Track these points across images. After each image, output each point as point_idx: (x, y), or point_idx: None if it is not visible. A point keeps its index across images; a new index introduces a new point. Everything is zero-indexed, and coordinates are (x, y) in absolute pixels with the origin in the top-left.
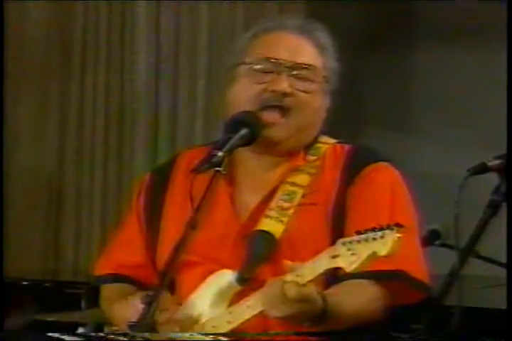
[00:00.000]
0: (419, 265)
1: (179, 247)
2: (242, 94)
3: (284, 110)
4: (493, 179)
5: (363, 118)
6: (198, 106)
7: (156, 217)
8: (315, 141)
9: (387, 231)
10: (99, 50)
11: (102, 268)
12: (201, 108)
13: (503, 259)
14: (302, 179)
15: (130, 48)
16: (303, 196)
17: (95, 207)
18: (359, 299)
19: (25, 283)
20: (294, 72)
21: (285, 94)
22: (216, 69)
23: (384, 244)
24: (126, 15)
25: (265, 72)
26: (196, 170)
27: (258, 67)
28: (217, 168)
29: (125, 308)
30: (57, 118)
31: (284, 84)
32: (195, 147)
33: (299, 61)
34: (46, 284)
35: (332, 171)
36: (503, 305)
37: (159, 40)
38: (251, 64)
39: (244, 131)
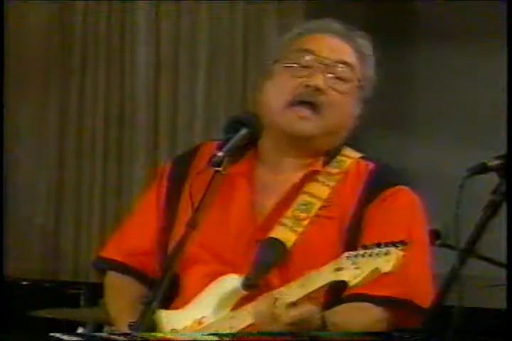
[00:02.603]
0: (426, 292)
1: (179, 248)
2: (278, 89)
3: (315, 107)
4: (493, 179)
5: (362, 118)
6: (198, 105)
7: (174, 205)
8: (338, 152)
9: (391, 248)
10: (99, 50)
11: (112, 251)
12: (201, 108)
13: (503, 259)
14: (321, 191)
15: (130, 48)
16: (320, 208)
17: (95, 207)
18: (360, 321)
19: (25, 283)
20: (331, 70)
21: (319, 91)
22: (216, 69)
23: (387, 261)
24: (126, 15)
25: (303, 66)
26: (200, 170)
27: (298, 60)
28: (217, 168)
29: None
30: (57, 118)
31: (318, 80)
32: (220, 140)
33: (338, 59)
34: (46, 284)
35: (353, 188)
36: (503, 305)
37: (159, 40)
38: (291, 58)
39: (244, 131)
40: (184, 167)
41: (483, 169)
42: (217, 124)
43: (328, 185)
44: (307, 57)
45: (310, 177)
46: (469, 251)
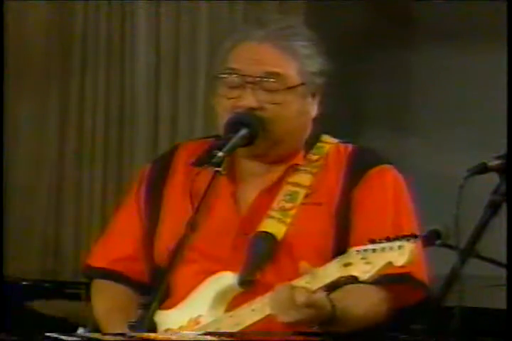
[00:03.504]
0: (421, 266)
1: (179, 248)
2: (219, 109)
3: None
4: (493, 179)
5: (362, 118)
6: (198, 105)
7: (156, 207)
8: (317, 140)
9: (404, 242)
10: (99, 50)
11: (97, 259)
12: (201, 108)
13: (503, 259)
14: (304, 179)
15: (130, 48)
16: (306, 196)
17: (95, 207)
18: (365, 303)
19: (25, 283)
20: (260, 86)
21: (252, 109)
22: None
23: (401, 255)
24: (126, 15)
25: (233, 86)
26: (195, 165)
27: (226, 81)
28: (217, 168)
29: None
30: (57, 118)
31: (248, 100)
32: (195, 140)
33: (265, 72)
34: (46, 284)
35: (335, 171)
36: (503, 305)
37: (159, 40)
38: (221, 79)
39: (244, 131)
40: (162, 169)
41: (483, 169)
42: (217, 124)
43: (310, 173)
44: (233, 78)
45: (291, 169)
46: (469, 251)
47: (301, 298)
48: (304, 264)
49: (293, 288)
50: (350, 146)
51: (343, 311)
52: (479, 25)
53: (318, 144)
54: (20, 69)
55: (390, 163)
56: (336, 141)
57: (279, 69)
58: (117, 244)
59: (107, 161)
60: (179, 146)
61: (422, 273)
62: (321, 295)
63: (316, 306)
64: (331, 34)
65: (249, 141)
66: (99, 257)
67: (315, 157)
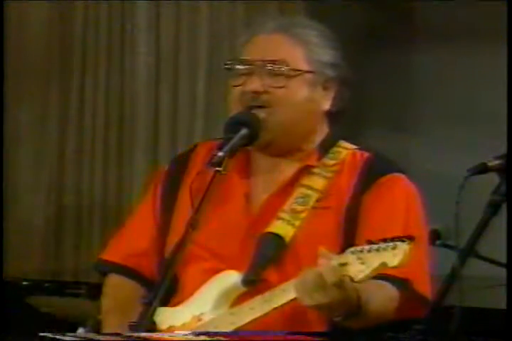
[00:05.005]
0: (424, 280)
1: (179, 247)
2: (230, 98)
3: (264, 108)
4: (493, 179)
5: (362, 118)
6: (198, 106)
7: (170, 206)
8: (333, 144)
9: (398, 243)
10: (99, 50)
11: (111, 254)
12: (201, 108)
13: (503, 259)
14: (318, 183)
15: (130, 48)
16: (317, 200)
17: (95, 207)
18: (380, 296)
19: (25, 283)
20: (265, 70)
21: (258, 93)
22: (216, 69)
23: (395, 256)
24: (126, 15)
25: (241, 74)
26: (208, 165)
27: (234, 70)
28: (218, 168)
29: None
30: (57, 119)
31: (254, 84)
32: (214, 139)
33: (269, 58)
34: (46, 284)
35: (349, 177)
36: (503, 305)
37: (159, 40)
38: (230, 69)
39: (244, 131)
40: (180, 169)
41: (483, 169)
42: (217, 124)
43: (325, 177)
44: (242, 66)
45: (305, 171)
46: (469, 251)
47: (330, 275)
48: (322, 249)
49: (320, 270)
50: (366, 153)
51: (366, 301)
52: (479, 26)
53: (335, 149)
54: (20, 69)
55: (403, 172)
56: (353, 147)
57: (284, 53)
58: (133, 239)
59: (107, 161)
60: (198, 145)
61: (423, 287)
62: (349, 281)
63: (344, 286)
64: (331, 34)
65: (249, 141)
66: (114, 251)
67: (331, 162)
